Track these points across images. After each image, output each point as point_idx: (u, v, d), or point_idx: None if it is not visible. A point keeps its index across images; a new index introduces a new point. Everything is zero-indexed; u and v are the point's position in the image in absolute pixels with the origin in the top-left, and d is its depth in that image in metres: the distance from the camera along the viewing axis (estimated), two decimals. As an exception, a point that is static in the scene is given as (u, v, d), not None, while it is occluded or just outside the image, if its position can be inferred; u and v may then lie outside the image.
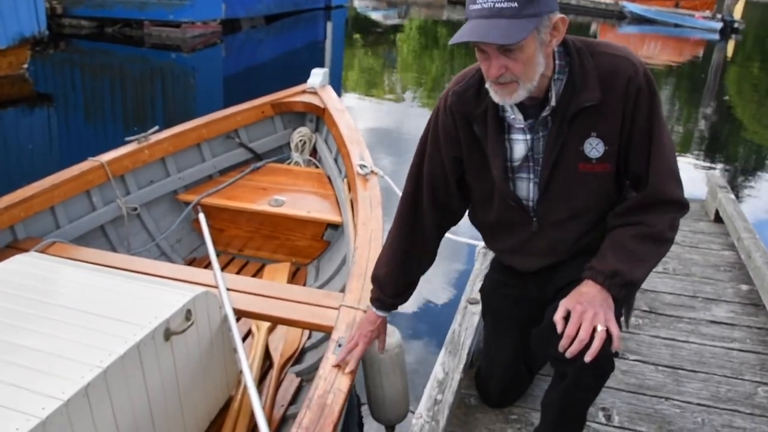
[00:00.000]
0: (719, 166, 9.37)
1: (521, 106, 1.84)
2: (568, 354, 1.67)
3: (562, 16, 1.67)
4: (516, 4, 1.57)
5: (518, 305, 2.23)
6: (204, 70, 13.63)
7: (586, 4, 33.43)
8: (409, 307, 4.39)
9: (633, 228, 1.80)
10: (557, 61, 1.77)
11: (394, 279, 2.18)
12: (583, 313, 1.68)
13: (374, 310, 2.24)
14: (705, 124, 12.62)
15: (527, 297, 2.17)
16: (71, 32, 15.05)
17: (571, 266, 1.98)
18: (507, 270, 2.23)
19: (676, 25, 29.58)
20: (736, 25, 29.03)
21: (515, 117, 1.86)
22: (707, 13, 30.66)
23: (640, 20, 30.63)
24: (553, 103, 1.78)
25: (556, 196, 1.90)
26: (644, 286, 3.79)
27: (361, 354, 2.19)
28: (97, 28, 15.39)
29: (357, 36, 21.59)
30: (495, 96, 1.75)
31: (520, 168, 1.92)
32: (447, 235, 2.28)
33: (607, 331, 1.67)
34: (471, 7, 1.63)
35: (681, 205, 1.83)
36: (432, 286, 4.69)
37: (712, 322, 3.45)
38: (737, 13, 29.37)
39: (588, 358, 1.64)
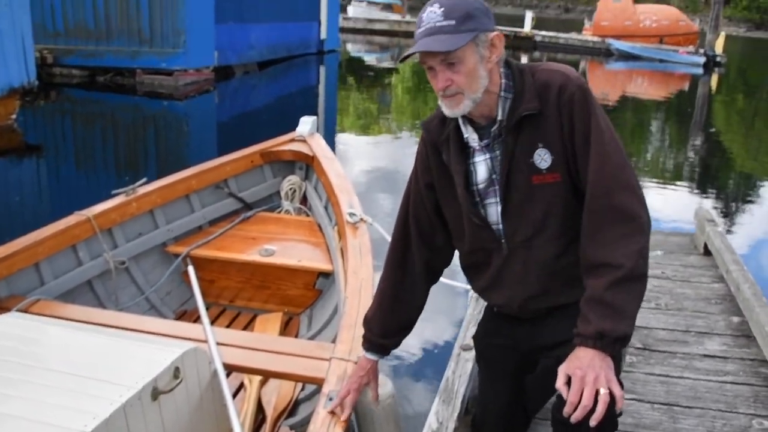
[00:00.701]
0: (708, 197, 9.44)
1: (477, 127, 1.95)
2: (573, 419, 1.65)
3: (498, 33, 1.84)
4: (453, 22, 1.77)
5: (510, 355, 2.21)
6: (197, 118, 13.67)
7: (574, 42, 33.93)
8: (402, 354, 4.37)
9: (603, 275, 1.76)
10: (504, 81, 1.90)
11: (383, 320, 2.19)
12: (584, 377, 1.67)
13: (365, 353, 2.24)
14: (693, 156, 12.72)
15: (518, 349, 2.16)
16: (62, 81, 15.06)
17: (556, 320, 1.99)
18: (498, 318, 2.23)
19: (661, 61, 29.98)
20: (718, 59, 29.42)
21: (469, 137, 1.96)
22: (690, 48, 31.07)
23: (626, 57, 31.05)
24: (499, 117, 1.89)
25: (516, 213, 1.94)
26: (637, 323, 3.71)
27: (353, 402, 2.17)
28: (88, 77, 15.41)
29: (351, 79, 21.75)
30: (445, 109, 1.89)
31: (487, 193, 1.98)
32: (441, 279, 2.28)
33: (610, 393, 1.66)
34: (417, 31, 1.83)
35: (636, 220, 1.79)
36: (425, 333, 4.65)
37: (706, 356, 3.44)
38: (719, 47, 29.74)
39: (593, 423, 1.63)
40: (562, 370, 1.72)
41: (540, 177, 1.88)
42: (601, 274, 1.77)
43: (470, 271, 2.19)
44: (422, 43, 1.79)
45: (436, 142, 2.02)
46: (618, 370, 1.81)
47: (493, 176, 1.96)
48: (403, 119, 14.81)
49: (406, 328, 2.25)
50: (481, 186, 1.98)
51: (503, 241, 2.00)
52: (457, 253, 2.22)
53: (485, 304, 2.35)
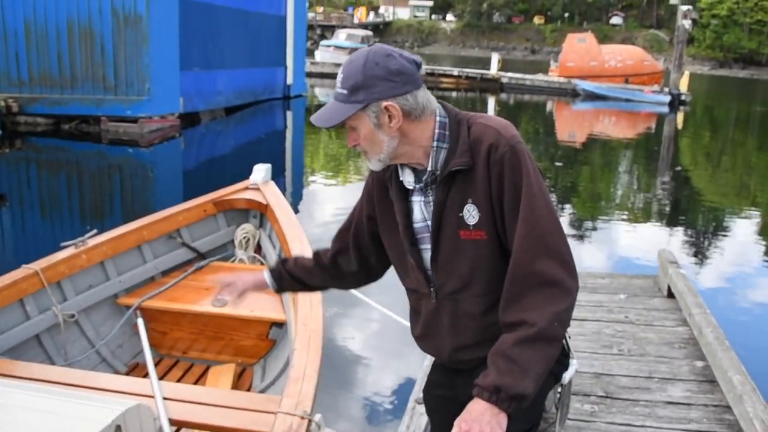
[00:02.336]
0: (675, 237, 9.48)
1: (414, 170, 1.95)
2: None
3: (392, 103, 1.81)
4: (345, 92, 1.82)
5: (452, 406, 2.14)
6: (162, 164, 13.59)
7: (541, 83, 34.37)
8: (356, 407, 4.28)
9: (515, 331, 1.74)
10: (438, 130, 1.88)
11: (296, 263, 2.36)
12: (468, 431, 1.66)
13: (264, 275, 2.38)
14: (660, 195, 12.85)
15: (458, 399, 2.09)
16: (27, 130, 14.92)
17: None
18: (439, 368, 2.19)
19: (627, 100, 30.48)
20: (683, 97, 30.02)
21: (404, 179, 1.97)
22: (655, 87, 31.66)
23: (592, 97, 31.54)
24: (429, 167, 1.89)
25: (444, 264, 1.93)
26: (599, 370, 3.74)
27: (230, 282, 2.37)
28: (53, 125, 15.28)
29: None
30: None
31: (421, 238, 1.97)
32: (402, 322, 2.22)
33: None
34: None
35: (559, 286, 1.76)
36: (380, 385, 4.56)
37: (669, 402, 3.39)
38: (683, 86, 30.34)
39: None
40: (456, 422, 1.70)
41: (467, 232, 1.86)
42: (513, 330, 1.75)
43: (411, 314, 2.18)
44: (319, 112, 1.87)
45: (383, 178, 2.04)
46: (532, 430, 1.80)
47: (426, 222, 1.95)
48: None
49: (306, 283, 2.39)
50: (417, 226, 1.98)
51: (433, 289, 1.98)
52: None
53: None
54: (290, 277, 2.35)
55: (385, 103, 1.80)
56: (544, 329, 1.72)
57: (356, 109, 1.81)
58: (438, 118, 1.89)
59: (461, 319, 1.95)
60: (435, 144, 1.87)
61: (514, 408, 1.69)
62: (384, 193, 2.04)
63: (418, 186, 1.94)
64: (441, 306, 1.98)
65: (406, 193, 1.98)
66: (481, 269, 1.88)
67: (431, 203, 1.92)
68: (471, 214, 1.84)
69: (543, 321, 1.72)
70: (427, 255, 1.97)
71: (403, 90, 1.80)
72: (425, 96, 1.85)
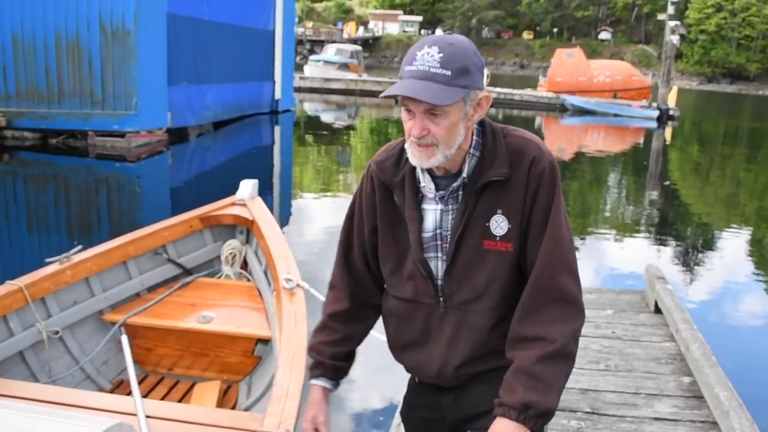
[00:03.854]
0: (663, 252, 9.50)
1: (433, 176, 1.89)
2: None
3: (487, 95, 1.78)
4: (449, 73, 1.68)
5: (438, 428, 2.12)
6: (150, 179, 13.55)
7: (530, 98, 34.44)
8: (341, 425, 4.25)
9: (536, 348, 1.74)
10: (474, 138, 1.85)
11: (333, 341, 2.11)
12: None
13: (314, 381, 2.11)
14: (648, 210, 12.89)
15: (443, 420, 2.07)
16: (14, 144, 14.84)
17: (477, 387, 1.93)
18: (421, 389, 2.13)
19: (616, 115, 30.65)
20: (671, 112, 30.19)
21: (426, 186, 1.89)
22: (644, 102, 31.91)
23: (581, 112, 31.69)
24: (464, 175, 1.83)
25: (460, 274, 1.89)
26: (586, 385, 3.73)
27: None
28: (40, 139, 15.20)
29: (309, 137, 21.83)
30: (413, 157, 1.81)
31: (429, 247, 1.92)
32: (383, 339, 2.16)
33: None
34: (407, 67, 1.73)
35: (575, 304, 1.80)
36: (365, 402, 4.54)
37: (655, 419, 3.38)
38: (671, 100, 30.53)
39: None
40: None
41: (492, 243, 1.84)
42: (532, 346, 1.75)
43: (392, 322, 2.08)
44: (411, 87, 1.69)
45: (389, 183, 1.94)
46: None
47: (438, 231, 1.90)
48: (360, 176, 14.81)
49: (352, 354, 2.17)
50: (427, 234, 1.92)
51: (441, 299, 1.93)
52: None
53: (410, 377, 2.24)
54: (340, 362, 2.13)
55: (481, 94, 1.77)
56: (564, 346, 1.74)
57: (463, 95, 1.71)
58: (474, 127, 1.86)
59: (464, 331, 1.92)
60: (472, 151, 1.84)
61: (539, 425, 1.70)
62: (389, 200, 1.96)
63: (439, 194, 1.88)
64: (447, 316, 1.94)
65: (419, 202, 1.92)
66: (497, 281, 1.86)
67: (451, 212, 1.88)
68: (499, 224, 1.82)
69: (563, 338, 1.74)
70: (433, 263, 1.92)
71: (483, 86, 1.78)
72: None
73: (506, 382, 1.75)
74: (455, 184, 1.85)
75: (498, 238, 1.83)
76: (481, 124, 1.87)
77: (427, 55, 1.69)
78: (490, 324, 1.90)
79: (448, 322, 1.94)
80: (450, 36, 1.75)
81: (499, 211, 1.82)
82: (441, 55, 1.68)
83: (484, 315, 1.90)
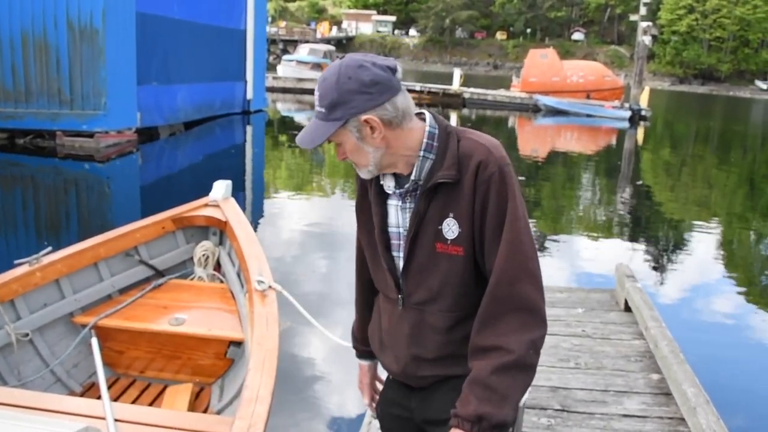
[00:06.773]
0: (634, 251, 9.59)
1: (395, 175, 1.94)
2: None
3: (370, 116, 1.78)
4: (324, 110, 1.79)
5: (407, 426, 2.14)
6: (119, 180, 13.42)
7: (503, 99, 34.54)
8: (311, 427, 4.26)
9: (492, 358, 1.74)
10: (426, 140, 1.86)
11: (363, 329, 2.26)
12: None
13: (359, 360, 2.33)
14: (620, 209, 13.01)
15: (413, 418, 2.08)
16: (-20, 145, 14.71)
17: (443, 392, 1.94)
18: (395, 386, 2.15)
19: (588, 116, 30.89)
20: (643, 112, 30.50)
21: (385, 183, 1.95)
22: (616, 103, 32.13)
23: (554, 112, 31.88)
24: (413, 176, 1.87)
25: (415, 273, 1.91)
26: (556, 383, 3.76)
27: (371, 401, 2.34)
28: (7, 139, 14.93)
29: (283, 138, 21.71)
30: None
31: (395, 245, 1.96)
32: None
33: None
34: None
35: (535, 313, 1.77)
36: (335, 403, 4.55)
37: (624, 416, 3.42)
38: (643, 101, 30.84)
39: None
40: None
41: (444, 246, 1.85)
42: (488, 357, 1.74)
43: (374, 314, 2.17)
44: (304, 130, 1.84)
45: (364, 180, 2.02)
46: None
47: (399, 229, 1.94)
48: (335, 177, 14.80)
49: None
50: (391, 231, 1.96)
51: (400, 296, 1.96)
52: None
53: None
54: (368, 347, 2.27)
55: (364, 117, 1.78)
56: (522, 357, 1.72)
57: (336, 127, 1.79)
58: (428, 129, 1.87)
59: (423, 330, 1.94)
60: (422, 153, 1.85)
61: None
62: (364, 192, 2.03)
63: (397, 191, 1.92)
64: (405, 315, 1.96)
65: (384, 197, 1.97)
66: (451, 284, 1.87)
67: (408, 210, 1.91)
68: (450, 228, 1.83)
69: (521, 348, 1.72)
70: (399, 262, 1.95)
71: (381, 100, 1.77)
72: (405, 101, 1.82)
73: (462, 393, 1.75)
74: (407, 185, 1.89)
75: (449, 242, 1.84)
76: (439, 126, 1.88)
77: (315, 94, 1.82)
78: (446, 326, 1.91)
79: (407, 320, 1.97)
80: (330, 67, 1.82)
81: (451, 215, 1.83)
82: (318, 94, 1.80)
83: (440, 316, 1.91)
